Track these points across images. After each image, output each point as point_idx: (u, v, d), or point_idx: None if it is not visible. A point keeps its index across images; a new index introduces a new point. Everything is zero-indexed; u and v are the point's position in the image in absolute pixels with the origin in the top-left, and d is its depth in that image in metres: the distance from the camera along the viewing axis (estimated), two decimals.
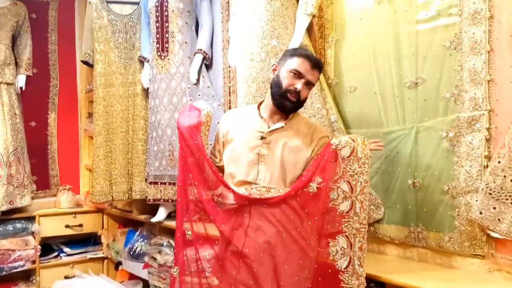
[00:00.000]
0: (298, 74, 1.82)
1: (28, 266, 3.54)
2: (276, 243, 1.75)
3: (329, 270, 1.71)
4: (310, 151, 1.86)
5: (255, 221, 1.79)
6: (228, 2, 2.84)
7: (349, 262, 1.69)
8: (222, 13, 2.94)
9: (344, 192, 1.72)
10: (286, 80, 1.83)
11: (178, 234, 1.93)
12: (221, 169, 1.98)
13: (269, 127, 1.89)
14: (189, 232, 1.90)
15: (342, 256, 1.70)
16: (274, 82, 1.88)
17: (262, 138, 1.86)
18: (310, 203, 1.74)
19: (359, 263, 1.69)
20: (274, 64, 1.98)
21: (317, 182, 1.74)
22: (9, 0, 3.62)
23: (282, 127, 1.88)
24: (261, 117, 1.92)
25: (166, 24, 3.02)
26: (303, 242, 1.74)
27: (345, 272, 1.69)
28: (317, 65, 1.86)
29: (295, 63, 1.83)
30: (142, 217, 3.40)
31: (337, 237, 1.71)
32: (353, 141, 1.74)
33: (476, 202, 1.77)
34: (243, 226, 1.80)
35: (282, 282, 1.72)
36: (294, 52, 1.87)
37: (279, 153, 1.84)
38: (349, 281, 1.68)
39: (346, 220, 1.70)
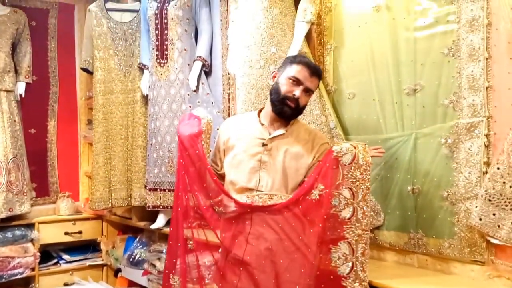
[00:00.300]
0: (296, 81, 1.83)
1: (28, 273, 3.53)
2: (278, 250, 1.75)
3: (331, 277, 1.71)
4: (311, 157, 1.87)
5: (257, 228, 1.79)
6: (227, 10, 2.85)
7: (352, 268, 1.69)
8: (221, 20, 2.96)
9: (346, 199, 1.72)
10: (284, 87, 1.84)
11: (179, 244, 1.92)
12: (223, 177, 1.98)
13: (270, 134, 1.89)
14: (191, 241, 1.90)
15: (344, 262, 1.70)
16: (273, 89, 1.89)
17: (263, 145, 1.87)
18: (312, 210, 1.74)
19: (361, 268, 1.69)
20: (273, 71, 1.99)
21: (319, 189, 1.74)
22: (9, 8, 3.63)
23: (283, 134, 1.89)
24: (262, 124, 1.93)
25: (166, 32, 3.03)
26: (305, 249, 1.73)
27: (348, 278, 1.69)
28: (316, 72, 1.87)
29: (294, 70, 1.84)
30: (142, 224, 3.39)
31: (339, 244, 1.72)
32: (355, 148, 1.75)
33: (476, 209, 1.77)
34: (244, 233, 1.79)
35: None
36: (294, 60, 1.88)
37: (280, 160, 1.85)
38: (352, 287, 1.68)
39: (348, 226, 1.71)
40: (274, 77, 1.93)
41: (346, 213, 1.72)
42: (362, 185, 1.72)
